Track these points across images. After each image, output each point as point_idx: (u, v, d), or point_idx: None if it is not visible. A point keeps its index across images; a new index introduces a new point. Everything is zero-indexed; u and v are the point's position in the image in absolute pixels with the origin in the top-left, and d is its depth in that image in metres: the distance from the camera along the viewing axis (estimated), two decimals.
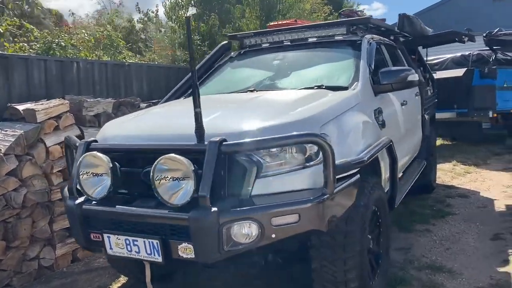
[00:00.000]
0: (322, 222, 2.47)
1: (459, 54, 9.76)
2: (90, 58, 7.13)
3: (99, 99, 4.80)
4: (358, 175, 2.79)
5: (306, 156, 2.59)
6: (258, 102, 3.34)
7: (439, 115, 9.00)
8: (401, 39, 5.86)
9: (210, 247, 2.33)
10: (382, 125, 3.59)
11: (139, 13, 14.97)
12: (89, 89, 5.42)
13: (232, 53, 4.88)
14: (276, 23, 5.48)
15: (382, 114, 3.66)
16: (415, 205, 5.72)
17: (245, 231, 2.37)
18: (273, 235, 2.38)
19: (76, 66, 5.19)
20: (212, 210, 2.30)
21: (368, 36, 4.36)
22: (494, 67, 9.02)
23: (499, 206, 5.69)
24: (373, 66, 3.90)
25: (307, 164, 2.58)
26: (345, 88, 3.55)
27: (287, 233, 2.42)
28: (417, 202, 5.83)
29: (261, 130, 2.55)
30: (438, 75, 9.18)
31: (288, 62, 4.31)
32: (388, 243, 3.41)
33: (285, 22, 4.99)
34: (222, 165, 2.42)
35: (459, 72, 9.07)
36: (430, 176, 6.06)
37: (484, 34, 8.85)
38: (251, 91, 3.90)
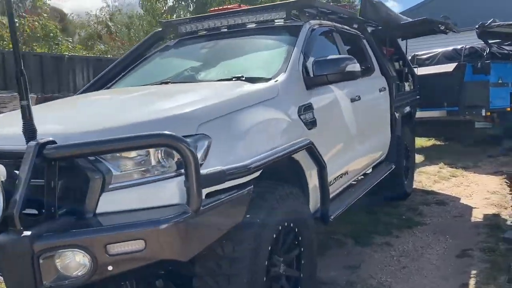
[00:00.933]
0: (182, 250, 1.91)
1: (450, 48, 9.09)
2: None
3: (16, 94, 4.29)
4: (251, 186, 2.23)
5: (177, 162, 2.04)
6: (145, 97, 2.81)
7: (427, 114, 8.38)
8: (370, 28, 5.25)
9: (23, 282, 1.79)
10: (312, 123, 3.02)
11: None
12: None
13: (169, 42, 4.34)
14: (218, 8, 4.91)
15: (313, 111, 3.08)
16: (382, 213, 5.13)
17: (72, 262, 1.82)
18: (110, 267, 1.83)
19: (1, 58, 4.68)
20: (23, 234, 1.75)
21: (313, 22, 3.78)
22: (487, 61, 8.34)
23: (477, 215, 5.05)
24: (312, 56, 3.31)
25: (176, 173, 2.03)
26: (267, 80, 2.98)
27: (131, 264, 1.86)
28: (385, 209, 5.24)
29: (109, 129, 2.01)
30: (427, 70, 8.56)
31: (218, 51, 3.76)
32: (313, 265, 2.84)
33: (228, 7, 4.43)
34: (52, 174, 1.87)
35: (449, 67, 8.42)
36: (402, 180, 5.44)
37: (477, 26, 8.16)
38: (166, 83, 3.36)
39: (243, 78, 3.04)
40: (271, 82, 2.91)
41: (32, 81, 4.93)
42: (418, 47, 10.03)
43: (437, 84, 7.97)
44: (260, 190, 2.41)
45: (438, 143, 10.16)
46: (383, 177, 4.56)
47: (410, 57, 9.72)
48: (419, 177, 6.83)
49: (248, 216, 2.25)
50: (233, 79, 3.06)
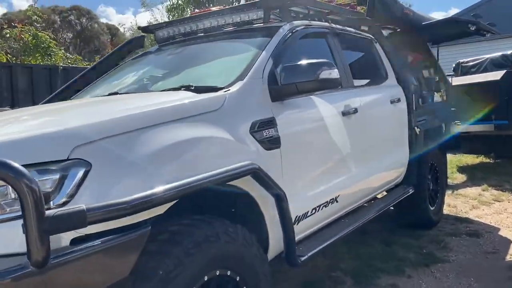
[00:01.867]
0: None
1: (499, 53, 8.08)
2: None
3: None
4: (147, 228, 1.71)
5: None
6: (43, 113, 2.37)
7: (473, 128, 7.44)
8: (387, 32, 4.58)
9: None
10: (272, 142, 2.45)
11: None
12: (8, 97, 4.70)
13: (151, 48, 3.93)
14: (199, 11, 4.43)
15: (277, 127, 2.51)
16: (399, 244, 4.39)
17: None
18: None
19: None
20: None
21: (297, 23, 3.21)
22: None
23: None
24: (288, 63, 2.75)
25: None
26: (218, 89, 2.46)
27: None
28: (404, 240, 4.49)
29: None
30: (471, 79, 7.65)
31: (186, 57, 3.28)
32: None
33: (210, 9, 3.95)
34: None
35: (497, 75, 7.44)
36: (426, 206, 4.66)
37: None
38: (114, 94, 2.93)
39: (192, 88, 2.54)
40: (218, 93, 2.38)
41: (20, 93, 4.70)
42: (466, 54, 9.08)
43: (483, 95, 7.06)
44: (173, 230, 1.88)
45: (487, 161, 9.07)
46: (392, 204, 3.86)
47: (454, 65, 8.83)
48: (455, 201, 5.96)
49: (145, 266, 1.73)
50: (182, 88, 2.57)
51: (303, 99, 2.83)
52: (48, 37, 8.39)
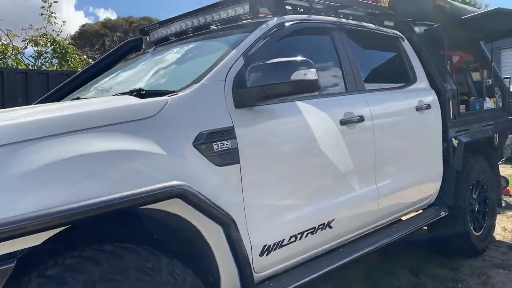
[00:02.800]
0: None
1: None
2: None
3: None
4: (11, 264, 1.38)
5: None
6: None
7: None
8: (420, 28, 3.96)
9: None
10: (228, 157, 2.04)
11: None
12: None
13: (149, 50, 3.67)
14: None
15: (236, 139, 2.09)
16: (429, 275, 3.75)
17: None
18: None
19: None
20: None
21: (289, 17, 2.77)
22: None
23: None
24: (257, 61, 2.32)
25: None
26: (168, 94, 2.09)
27: None
28: (437, 271, 3.83)
29: None
30: None
31: (162, 59, 2.95)
32: None
33: None
34: None
35: None
36: (467, 231, 3.96)
37: None
38: (76, 99, 2.68)
39: (143, 92, 2.21)
40: (156, 98, 2.01)
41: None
42: None
43: None
44: (67, 264, 1.54)
45: None
46: (413, 229, 3.25)
47: None
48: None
49: None
50: (133, 93, 2.24)
51: (283, 106, 2.40)
52: (67, 42, 8.55)
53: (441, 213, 3.59)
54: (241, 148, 2.10)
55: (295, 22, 2.76)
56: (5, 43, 7.75)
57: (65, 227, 1.52)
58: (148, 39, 3.63)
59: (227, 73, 2.23)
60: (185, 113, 2.00)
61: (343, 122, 2.70)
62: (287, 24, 2.69)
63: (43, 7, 8.53)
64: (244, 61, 2.32)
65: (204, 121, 2.04)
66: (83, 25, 32.64)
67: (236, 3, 2.84)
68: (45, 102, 3.20)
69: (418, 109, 3.42)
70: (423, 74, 3.70)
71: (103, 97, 2.39)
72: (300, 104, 2.49)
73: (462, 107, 4.09)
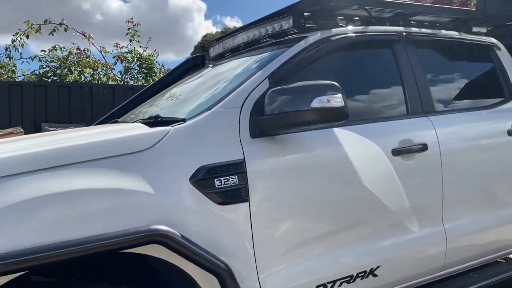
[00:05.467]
0: None
1: None
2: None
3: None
4: None
5: None
6: None
7: None
8: None
9: None
10: (231, 194, 1.81)
11: None
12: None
13: (209, 67, 3.59)
14: None
15: (246, 173, 1.85)
16: None
17: None
18: None
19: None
20: None
21: (336, 30, 2.43)
22: None
23: None
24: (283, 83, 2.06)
25: None
26: (177, 122, 1.94)
27: None
28: None
29: None
30: None
31: (203, 80, 2.81)
32: None
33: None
34: None
35: None
36: None
37: None
38: (115, 122, 2.67)
39: (159, 119, 2.09)
40: (157, 128, 1.86)
41: None
42: None
43: None
44: None
45: None
46: (494, 280, 2.65)
47: None
48: None
49: None
50: (150, 120, 2.13)
51: (315, 133, 2.09)
52: (152, 57, 8.89)
53: None
54: (252, 183, 1.86)
55: (343, 36, 2.42)
56: (96, 59, 8.40)
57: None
58: (208, 55, 3.54)
59: (246, 99, 2.00)
60: (187, 145, 1.82)
61: (396, 152, 2.29)
62: (333, 38, 2.36)
63: (129, 28, 9.08)
64: (269, 84, 2.07)
65: (208, 154, 1.83)
66: (205, 35, 34.51)
67: (281, 16, 2.59)
68: (107, 120, 3.28)
69: None
70: None
71: (119, 125, 2.31)
72: (338, 131, 2.16)
73: None
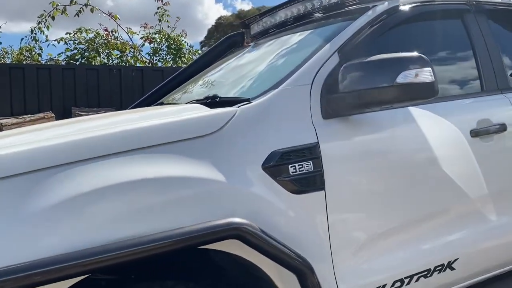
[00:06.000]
0: None
1: None
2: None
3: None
4: None
5: None
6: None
7: None
8: None
9: None
10: (306, 182, 1.63)
11: None
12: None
13: (251, 44, 3.38)
14: None
15: (320, 158, 1.66)
16: None
17: None
18: None
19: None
20: None
21: (401, 0, 2.20)
22: None
23: None
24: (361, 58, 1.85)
25: None
26: (242, 102, 1.75)
27: None
28: None
29: None
30: None
31: (254, 57, 2.61)
32: None
33: None
34: None
35: None
36: None
37: None
38: (160, 103, 2.49)
39: (217, 99, 1.90)
40: (224, 109, 1.67)
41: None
42: None
43: None
44: None
45: None
46: None
47: None
48: None
49: None
50: (208, 100, 1.94)
51: (390, 113, 1.88)
52: (182, 38, 8.60)
53: None
54: (327, 170, 1.66)
55: (413, 5, 2.18)
56: (124, 41, 8.18)
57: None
58: (249, 32, 3.32)
59: (315, 75, 1.79)
60: (255, 127, 1.63)
61: (475, 133, 2.07)
62: (402, 8, 2.13)
63: (158, 7, 8.71)
64: (339, 58, 1.86)
65: (279, 137, 1.64)
66: (219, 18, 34.17)
67: None
68: (144, 103, 3.11)
69: None
70: None
71: (174, 107, 2.12)
72: (413, 110, 1.94)
73: None
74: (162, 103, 2.52)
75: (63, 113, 5.71)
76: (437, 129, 1.97)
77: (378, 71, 1.66)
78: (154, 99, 3.05)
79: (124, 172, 1.37)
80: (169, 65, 8.35)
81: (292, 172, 1.60)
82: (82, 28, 7.99)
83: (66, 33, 8.09)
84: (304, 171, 1.62)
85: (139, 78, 6.14)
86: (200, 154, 1.50)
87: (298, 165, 1.62)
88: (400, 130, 1.91)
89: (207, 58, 3.33)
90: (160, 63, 8.63)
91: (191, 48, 9.08)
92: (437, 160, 1.94)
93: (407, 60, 1.65)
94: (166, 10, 8.60)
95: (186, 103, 2.06)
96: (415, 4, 2.18)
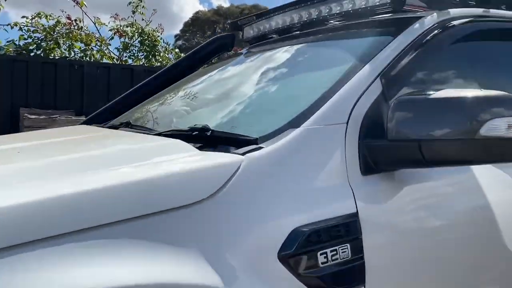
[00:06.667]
0: None
1: None
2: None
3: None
4: None
5: None
6: None
7: None
8: None
9: None
10: (343, 276, 1.08)
11: None
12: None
13: (243, 50, 2.82)
14: None
15: (361, 238, 1.12)
16: None
17: None
18: None
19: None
20: None
21: (456, 11, 1.69)
22: None
23: None
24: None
25: None
26: (247, 143, 1.18)
27: None
28: None
29: None
30: None
31: (252, 71, 2.03)
32: None
33: None
34: None
35: None
36: None
37: None
38: (126, 124, 1.88)
39: (208, 133, 1.32)
40: (225, 158, 1.10)
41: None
42: None
43: None
44: None
45: None
46: None
47: None
48: None
49: None
50: (193, 133, 1.36)
51: (450, 170, 1.35)
52: (158, 33, 7.79)
53: None
54: (369, 256, 1.12)
55: (466, 20, 1.67)
56: (90, 33, 7.32)
57: None
58: (241, 35, 2.76)
59: (352, 110, 1.25)
60: (270, 189, 1.07)
61: None
62: (456, 23, 1.61)
63: None
64: (382, 87, 1.32)
65: (303, 204, 1.09)
66: (197, 12, 33.33)
67: None
68: (107, 113, 2.47)
69: None
70: None
71: (146, 140, 1.50)
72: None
73: None
74: (129, 123, 1.89)
75: (10, 116, 4.91)
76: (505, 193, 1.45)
77: (449, 115, 1.13)
78: (119, 110, 2.45)
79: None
80: (141, 63, 7.54)
81: (323, 263, 1.05)
82: (42, 13, 7.05)
83: (22, 17, 7.19)
84: (338, 261, 1.07)
85: (105, 76, 5.37)
86: (183, 238, 0.93)
87: (331, 251, 1.07)
88: (461, 195, 1.37)
89: (190, 62, 2.75)
90: (131, 60, 7.77)
91: (167, 46, 8.30)
92: (501, 232, 1.43)
93: (493, 102, 1.13)
94: (141, 1, 7.81)
95: (162, 133, 1.46)
96: (465, 20, 1.66)
